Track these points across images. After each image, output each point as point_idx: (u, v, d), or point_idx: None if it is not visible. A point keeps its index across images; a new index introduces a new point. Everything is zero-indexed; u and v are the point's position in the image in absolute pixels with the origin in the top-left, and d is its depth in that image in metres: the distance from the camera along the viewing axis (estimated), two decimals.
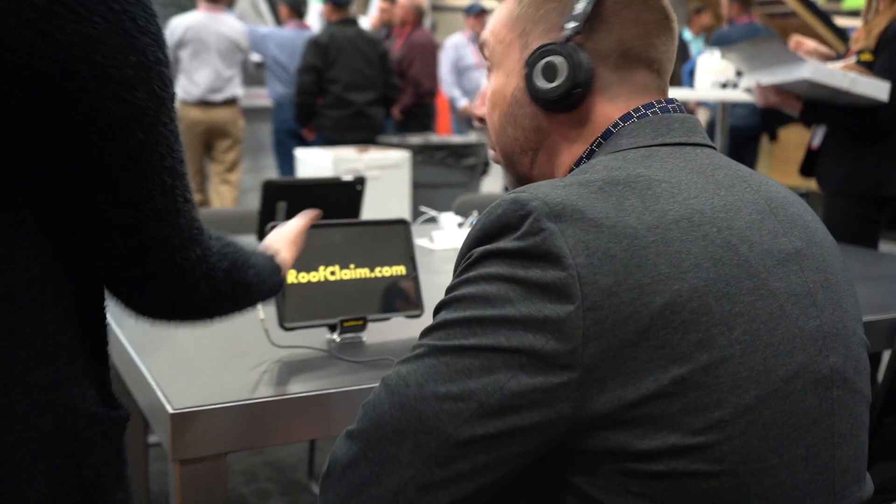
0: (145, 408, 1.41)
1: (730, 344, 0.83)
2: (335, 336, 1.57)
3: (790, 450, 0.86)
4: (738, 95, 3.74)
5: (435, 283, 2.00)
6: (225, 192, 6.17)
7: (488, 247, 0.86)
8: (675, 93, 4.63)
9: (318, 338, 1.58)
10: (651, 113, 0.98)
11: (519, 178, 1.09)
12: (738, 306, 0.85)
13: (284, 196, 2.24)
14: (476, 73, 7.33)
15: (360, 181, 2.32)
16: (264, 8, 7.18)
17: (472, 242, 0.89)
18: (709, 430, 0.82)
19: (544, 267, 0.82)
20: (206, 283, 0.98)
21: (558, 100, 1.00)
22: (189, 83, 5.79)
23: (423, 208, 2.85)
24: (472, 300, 0.85)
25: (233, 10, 6.31)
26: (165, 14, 6.29)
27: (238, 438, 1.31)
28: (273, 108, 6.47)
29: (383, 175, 5.00)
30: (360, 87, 5.80)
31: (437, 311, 0.89)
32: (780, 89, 2.84)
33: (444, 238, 2.51)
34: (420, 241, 2.55)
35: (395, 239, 1.66)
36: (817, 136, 3.02)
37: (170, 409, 1.26)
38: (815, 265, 0.94)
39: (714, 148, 1.00)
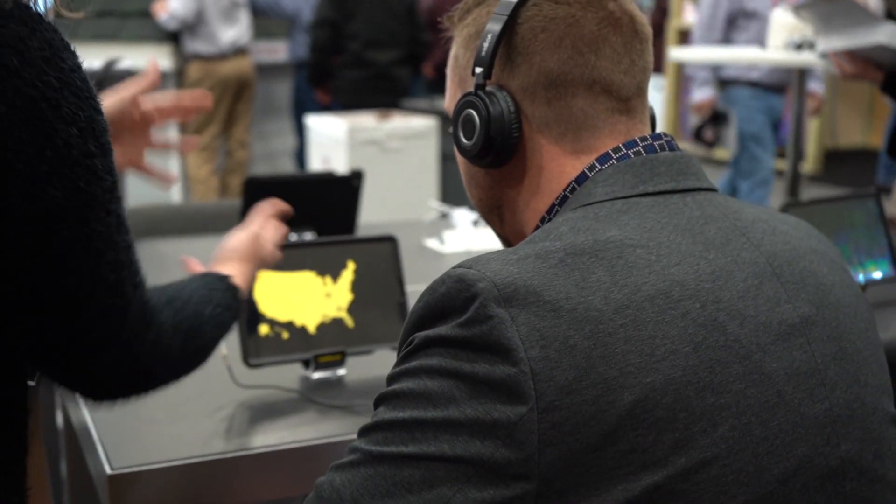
0: (91, 464, 1.42)
1: (713, 443, 0.81)
2: (309, 373, 1.57)
3: None
4: (814, 60, 3.66)
5: None
6: (243, 158, 6.34)
7: (430, 333, 0.84)
8: (740, 53, 4.53)
9: (289, 375, 1.58)
10: (634, 153, 0.96)
11: (499, 236, 1.09)
12: (724, 397, 0.83)
13: (269, 194, 2.23)
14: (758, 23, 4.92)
15: (357, 176, 2.31)
16: None
17: (413, 324, 0.87)
18: None
19: (492, 361, 0.81)
20: (161, 365, 1.03)
21: (481, 156, 0.99)
22: (212, 37, 5.97)
23: (432, 204, 2.84)
24: (411, 398, 0.84)
25: None
26: None
27: (189, 501, 1.32)
28: (296, 67, 6.61)
29: (407, 147, 4.98)
30: (382, 44, 5.76)
31: (376, 404, 0.88)
32: (856, 57, 2.77)
33: (456, 240, 2.50)
34: (429, 242, 2.54)
35: (380, 258, 1.66)
36: None
37: (108, 470, 1.27)
38: (827, 333, 0.91)
39: (713, 190, 0.98)
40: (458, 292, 0.84)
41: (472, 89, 1.00)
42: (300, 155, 6.58)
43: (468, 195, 1.09)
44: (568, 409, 0.79)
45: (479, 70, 0.98)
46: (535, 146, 0.98)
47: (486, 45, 0.97)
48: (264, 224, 1.41)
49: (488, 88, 0.98)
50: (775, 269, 0.92)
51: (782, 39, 3.85)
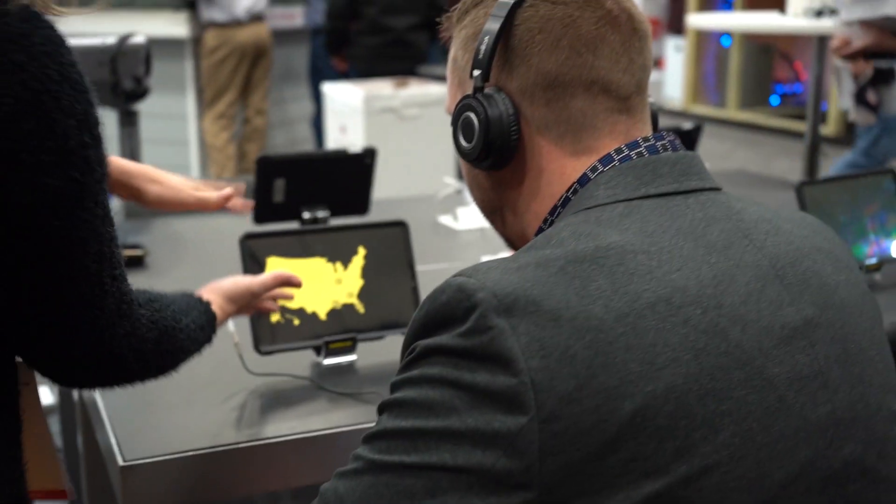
0: (104, 450, 1.44)
1: (715, 450, 0.82)
2: (320, 360, 1.58)
3: None
4: (833, 26, 3.62)
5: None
6: (261, 126, 6.34)
7: (431, 342, 0.85)
8: (761, 19, 4.48)
9: (300, 362, 1.59)
10: (636, 154, 0.95)
11: (502, 237, 1.09)
12: (726, 404, 0.83)
13: (282, 173, 2.25)
14: None
15: (370, 154, 2.31)
16: None
17: (414, 332, 0.88)
18: None
19: (493, 371, 0.81)
20: (133, 356, 1.04)
21: (481, 158, 1.00)
22: (228, 4, 5.93)
23: (447, 179, 2.84)
24: (413, 406, 0.85)
25: None
26: None
27: (200, 491, 1.34)
28: (313, 33, 6.58)
29: (424, 114, 4.96)
30: (399, 9, 5.72)
31: (379, 411, 0.89)
32: (873, 26, 2.76)
33: (469, 216, 2.50)
34: (443, 219, 2.54)
35: (391, 243, 1.66)
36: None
37: (120, 461, 1.29)
38: (831, 335, 0.91)
39: (717, 189, 0.97)
40: (458, 302, 0.84)
41: (470, 91, 1.00)
42: (317, 122, 6.57)
43: (471, 196, 1.09)
44: (568, 419, 0.80)
45: (477, 72, 0.98)
46: (535, 148, 0.98)
47: (483, 46, 0.97)
48: (258, 286, 1.43)
49: (487, 90, 0.98)
50: (778, 271, 0.91)
51: (802, 6, 3.80)
